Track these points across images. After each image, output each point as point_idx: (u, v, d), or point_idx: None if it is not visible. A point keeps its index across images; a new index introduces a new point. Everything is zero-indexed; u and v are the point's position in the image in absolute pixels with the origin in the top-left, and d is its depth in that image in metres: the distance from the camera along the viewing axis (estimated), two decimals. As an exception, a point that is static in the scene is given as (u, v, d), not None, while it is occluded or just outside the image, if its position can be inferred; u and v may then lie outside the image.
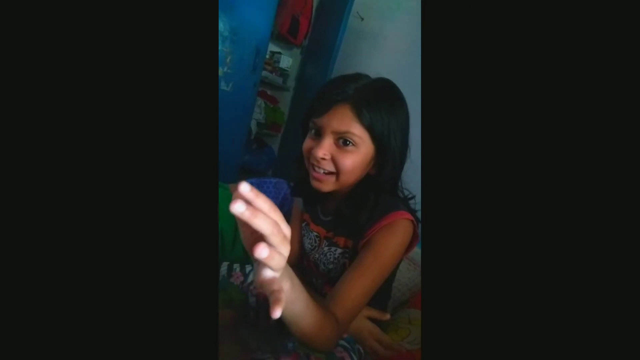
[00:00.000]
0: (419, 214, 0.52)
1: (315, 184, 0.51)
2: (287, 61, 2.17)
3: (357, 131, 0.47)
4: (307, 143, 0.51)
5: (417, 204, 0.57)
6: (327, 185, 0.51)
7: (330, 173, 0.50)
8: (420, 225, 0.53)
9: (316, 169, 0.50)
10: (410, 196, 0.57)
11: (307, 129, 0.53)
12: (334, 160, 0.49)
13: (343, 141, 0.48)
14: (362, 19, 1.96)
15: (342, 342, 0.54)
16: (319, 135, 0.50)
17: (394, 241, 0.50)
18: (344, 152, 0.48)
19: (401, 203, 0.54)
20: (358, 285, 0.47)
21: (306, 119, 0.53)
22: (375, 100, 0.47)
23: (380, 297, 0.65)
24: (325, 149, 0.48)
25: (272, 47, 2.11)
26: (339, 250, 0.57)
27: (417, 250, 1.01)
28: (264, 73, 1.92)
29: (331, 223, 0.59)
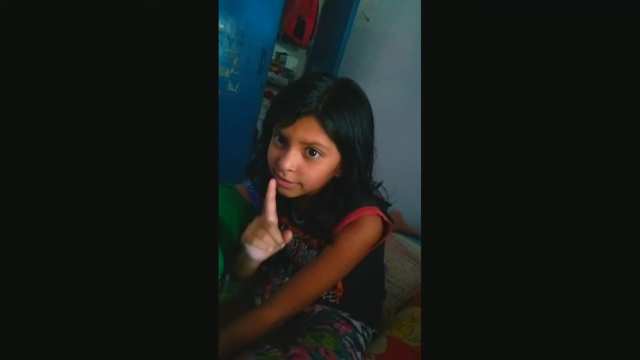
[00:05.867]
0: (415, 211, 0.53)
1: (281, 190, 0.52)
2: (293, 62, 2.18)
3: (324, 142, 0.47)
4: (273, 151, 0.51)
5: (390, 195, 0.59)
6: (293, 192, 0.52)
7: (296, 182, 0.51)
8: (387, 214, 0.55)
9: (282, 178, 0.50)
10: (376, 184, 0.58)
11: (270, 133, 0.52)
12: (299, 172, 0.49)
13: (310, 151, 0.48)
14: (368, 20, 1.96)
15: (348, 337, 0.55)
16: (285, 143, 0.49)
17: (355, 238, 0.52)
18: (311, 163, 0.49)
19: (366, 197, 0.54)
20: (308, 279, 0.52)
21: (269, 124, 0.52)
22: (339, 108, 0.47)
23: (373, 301, 0.67)
24: (291, 161, 0.48)
25: (278, 48, 2.12)
26: (315, 252, 0.59)
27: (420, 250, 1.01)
28: (270, 74, 1.93)
29: (305, 226, 0.60)
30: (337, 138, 0.48)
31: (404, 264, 0.95)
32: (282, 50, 2.19)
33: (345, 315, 0.60)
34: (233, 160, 1.64)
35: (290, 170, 0.49)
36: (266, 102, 2.16)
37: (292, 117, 0.47)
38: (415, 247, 1.01)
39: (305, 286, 0.52)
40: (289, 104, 0.47)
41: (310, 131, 0.47)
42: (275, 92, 2.31)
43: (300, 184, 0.50)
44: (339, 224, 0.52)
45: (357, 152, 0.50)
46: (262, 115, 2.03)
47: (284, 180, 0.50)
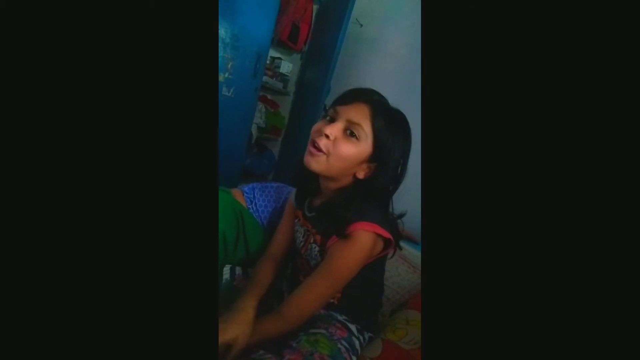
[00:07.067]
0: (414, 212, 0.55)
1: (307, 158, 0.55)
2: (288, 66, 2.19)
3: (367, 128, 0.53)
4: (318, 125, 0.56)
5: (403, 222, 0.62)
6: (318, 162, 0.55)
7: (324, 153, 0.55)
8: (394, 234, 0.57)
9: (315, 145, 0.55)
10: (400, 214, 0.62)
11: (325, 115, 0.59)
12: (333, 143, 0.54)
13: (350, 132, 0.54)
14: (361, 25, 1.98)
15: (343, 342, 0.55)
16: (332, 120, 0.55)
17: (346, 254, 0.54)
18: (347, 140, 0.54)
19: (373, 213, 0.56)
20: (309, 294, 0.55)
21: (330, 107, 0.59)
22: (390, 116, 0.55)
23: (371, 306, 0.68)
24: (333, 129, 0.54)
25: (273, 53, 2.12)
26: (317, 248, 0.61)
27: (416, 254, 1.02)
28: (265, 78, 1.93)
29: (313, 219, 0.63)
30: (378, 134, 0.54)
31: (399, 267, 0.95)
32: (277, 54, 2.20)
33: (342, 318, 0.60)
34: (228, 163, 1.63)
35: (328, 137, 0.53)
36: (261, 106, 2.16)
37: (353, 99, 0.55)
38: (410, 251, 1.01)
39: (303, 303, 0.54)
40: (355, 92, 0.56)
41: (361, 114, 0.54)
42: (269, 96, 2.31)
43: (327, 155, 0.54)
44: (339, 230, 0.54)
45: (388, 157, 0.54)
46: (256, 118, 2.03)
47: (316, 148, 0.54)
